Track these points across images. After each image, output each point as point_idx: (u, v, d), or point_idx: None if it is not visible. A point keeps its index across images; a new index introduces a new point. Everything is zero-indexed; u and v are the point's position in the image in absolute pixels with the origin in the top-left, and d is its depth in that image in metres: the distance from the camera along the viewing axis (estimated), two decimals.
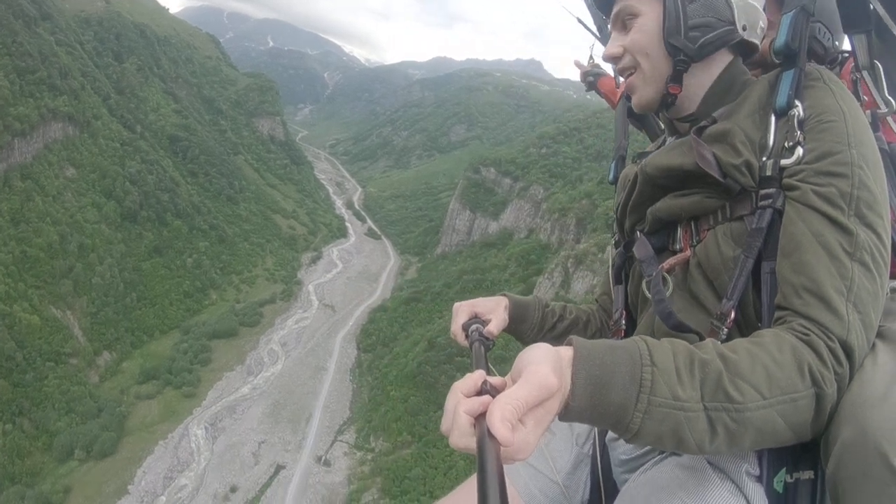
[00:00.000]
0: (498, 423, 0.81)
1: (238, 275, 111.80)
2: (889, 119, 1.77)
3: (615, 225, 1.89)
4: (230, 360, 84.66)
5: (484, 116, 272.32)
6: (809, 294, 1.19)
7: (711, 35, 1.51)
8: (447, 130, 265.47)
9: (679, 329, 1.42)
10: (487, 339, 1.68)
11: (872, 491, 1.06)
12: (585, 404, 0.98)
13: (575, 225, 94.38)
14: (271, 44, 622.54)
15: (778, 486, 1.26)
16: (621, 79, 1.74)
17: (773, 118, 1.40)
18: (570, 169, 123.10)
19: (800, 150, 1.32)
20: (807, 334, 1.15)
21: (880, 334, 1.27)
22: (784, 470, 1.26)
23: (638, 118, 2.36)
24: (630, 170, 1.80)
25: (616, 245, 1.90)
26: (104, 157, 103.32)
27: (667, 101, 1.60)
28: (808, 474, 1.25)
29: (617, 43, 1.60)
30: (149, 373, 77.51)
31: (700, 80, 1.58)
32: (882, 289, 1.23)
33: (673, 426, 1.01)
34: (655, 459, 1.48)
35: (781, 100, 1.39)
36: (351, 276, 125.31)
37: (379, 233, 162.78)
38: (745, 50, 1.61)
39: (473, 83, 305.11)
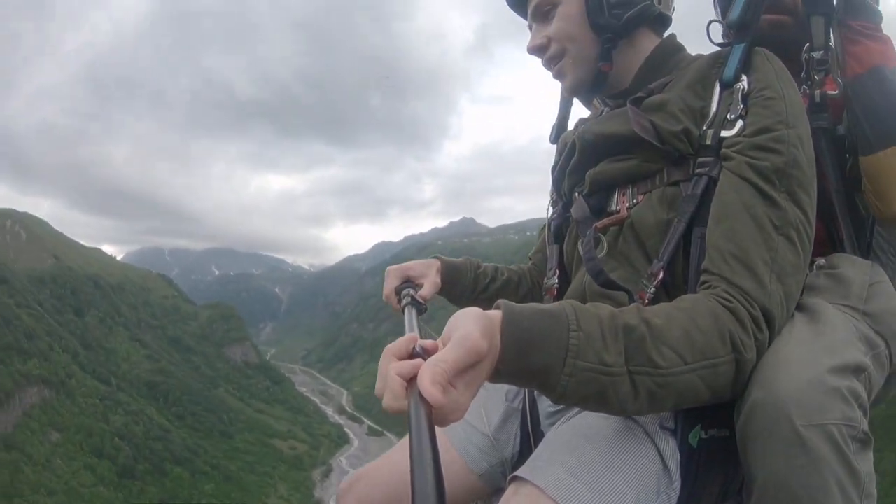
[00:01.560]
0: (428, 386, 0.80)
1: None
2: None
3: (552, 185, 1.90)
4: None
5: None
6: (736, 261, 1.23)
7: (633, 11, 1.56)
8: None
9: (609, 286, 1.45)
10: (420, 302, 1.69)
11: (775, 449, 1.11)
12: (513, 368, 0.99)
13: None
14: (217, 272, 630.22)
15: (692, 441, 1.30)
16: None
17: (717, 89, 1.44)
18: None
19: (740, 123, 1.36)
20: (730, 301, 1.19)
21: (800, 306, 1.33)
22: (699, 427, 1.30)
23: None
24: (569, 135, 1.84)
25: (554, 205, 1.90)
26: (86, 416, 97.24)
27: (599, 80, 1.63)
28: (723, 432, 1.30)
29: (541, 34, 1.64)
30: None
31: (628, 58, 1.63)
32: (804, 263, 1.29)
33: (598, 389, 1.04)
34: (577, 410, 1.48)
35: (729, 72, 1.42)
36: None
37: (380, 429, 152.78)
38: (664, 24, 1.67)
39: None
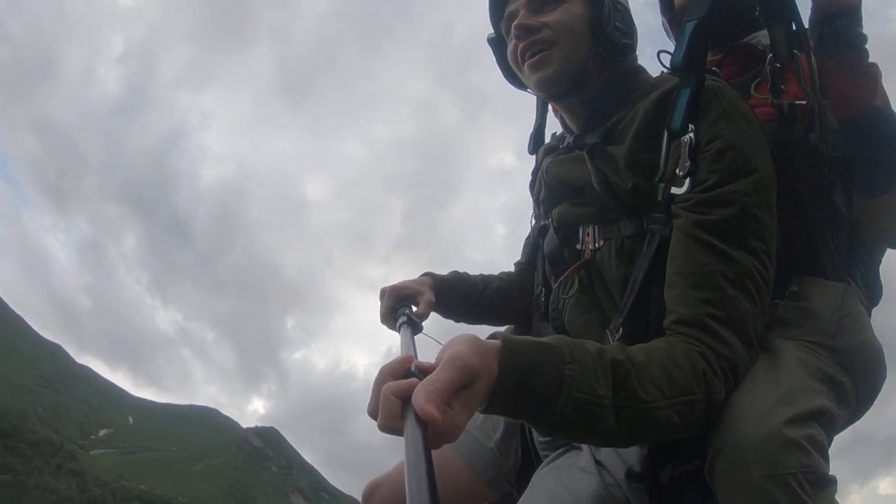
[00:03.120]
0: (423, 403, 0.80)
1: None
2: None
3: (533, 201, 1.92)
4: None
5: None
6: (693, 325, 1.24)
7: (628, 41, 1.59)
8: None
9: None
10: (416, 321, 1.67)
11: (737, 494, 1.16)
12: (510, 397, 0.99)
13: None
14: None
15: (664, 479, 1.32)
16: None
17: (665, 140, 1.40)
18: None
19: (689, 181, 1.33)
20: (698, 346, 1.21)
21: (764, 347, 1.33)
22: (670, 466, 1.32)
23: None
24: (540, 158, 1.86)
25: (536, 219, 1.91)
26: None
27: (582, 81, 1.58)
28: (694, 464, 1.29)
29: (535, 17, 1.58)
30: None
31: (602, 78, 1.61)
32: (762, 308, 1.29)
33: (589, 420, 1.05)
34: (563, 448, 1.55)
35: (675, 123, 1.37)
36: None
37: None
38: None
39: None
